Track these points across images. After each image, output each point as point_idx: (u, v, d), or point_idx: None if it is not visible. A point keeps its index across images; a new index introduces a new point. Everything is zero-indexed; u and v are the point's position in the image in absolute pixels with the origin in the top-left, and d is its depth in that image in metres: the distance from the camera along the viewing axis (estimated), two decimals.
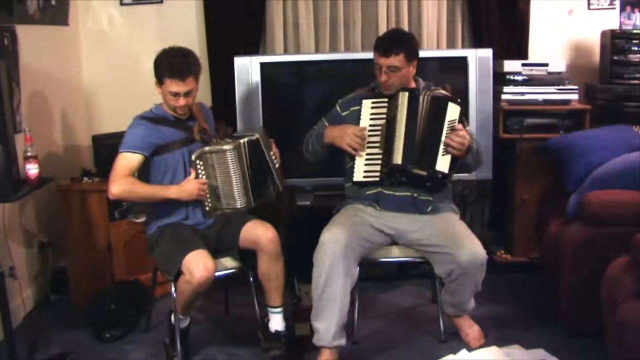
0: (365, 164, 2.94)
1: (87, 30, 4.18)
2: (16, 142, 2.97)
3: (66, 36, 4.04)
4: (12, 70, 3.26)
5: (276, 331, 2.93)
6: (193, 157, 2.85)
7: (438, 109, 2.84)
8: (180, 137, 2.92)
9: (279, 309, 2.94)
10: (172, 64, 2.79)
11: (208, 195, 2.88)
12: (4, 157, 2.70)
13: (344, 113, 3.06)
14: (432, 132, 2.83)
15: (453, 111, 2.84)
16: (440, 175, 2.84)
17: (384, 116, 2.94)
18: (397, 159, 2.84)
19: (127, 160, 2.80)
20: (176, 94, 2.82)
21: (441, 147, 2.82)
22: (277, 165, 3.00)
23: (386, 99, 2.95)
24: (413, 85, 3.01)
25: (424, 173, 2.84)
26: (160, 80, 2.83)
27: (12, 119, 3.08)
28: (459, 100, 2.88)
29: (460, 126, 2.84)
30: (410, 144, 2.83)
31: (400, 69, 2.88)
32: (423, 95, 2.88)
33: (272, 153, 2.99)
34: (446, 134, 2.82)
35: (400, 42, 2.90)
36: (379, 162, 2.91)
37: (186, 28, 4.13)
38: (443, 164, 2.83)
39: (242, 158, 2.89)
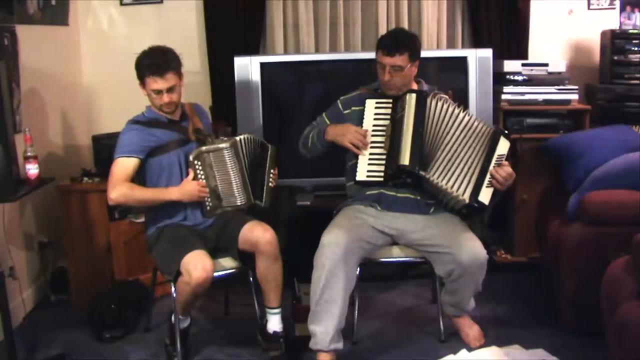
0: (369, 164, 2.93)
1: (87, 30, 4.18)
2: (16, 142, 2.97)
3: (66, 36, 4.04)
4: (12, 70, 3.26)
5: (274, 332, 2.93)
6: (191, 158, 2.84)
7: (491, 141, 2.83)
8: (175, 138, 2.92)
9: (277, 310, 2.94)
10: (150, 62, 2.80)
11: (208, 195, 2.87)
12: (4, 157, 2.70)
13: (346, 112, 3.05)
14: (480, 162, 2.82)
15: (503, 146, 2.84)
16: (478, 205, 2.83)
17: (388, 117, 2.93)
18: (405, 159, 2.81)
19: (123, 165, 2.81)
20: (158, 92, 2.82)
21: (487, 179, 2.82)
22: (270, 184, 2.97)
23: (390, 100, 2.94)
24: (415, 86, 3.00)
25: (437, 181, 2.83)
26: (142, 81, 2.84)
27: (12, 119, 3.08)
28: (507, 133, 2.89)
29: (506, 162, 2.84)
30: (417, 146, 2.82)
31: (403, 68, 2.87)
32: (431, 98, 2.87)
33: (272, 171, 2.97)
34: (493, 166, 2.81)
35: (404, 41, 2.90)
36: (383, 162, 2.90)
37: (186, 28, 4.14)
38: (486, 195, 2.83)
39: (239, 155, 2.88)
